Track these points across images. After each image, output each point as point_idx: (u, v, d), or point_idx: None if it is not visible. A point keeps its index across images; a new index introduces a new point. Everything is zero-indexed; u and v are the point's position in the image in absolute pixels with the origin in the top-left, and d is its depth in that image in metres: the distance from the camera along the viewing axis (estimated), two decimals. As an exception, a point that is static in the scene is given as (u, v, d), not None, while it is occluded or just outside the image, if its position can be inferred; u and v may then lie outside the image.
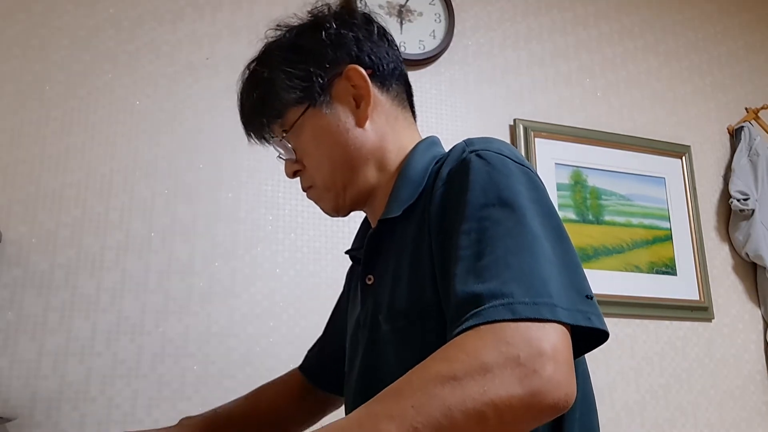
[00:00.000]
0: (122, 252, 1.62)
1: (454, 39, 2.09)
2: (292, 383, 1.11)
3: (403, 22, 2.06)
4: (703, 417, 2.05)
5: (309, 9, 0.89)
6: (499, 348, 0.54)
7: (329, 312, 1.74)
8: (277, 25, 0.90)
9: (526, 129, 2.09)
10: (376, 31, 0.88)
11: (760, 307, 2.24)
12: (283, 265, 1.74)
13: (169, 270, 1.64)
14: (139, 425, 1.52)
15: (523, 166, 0.71)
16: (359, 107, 0.84)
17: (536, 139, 2.09)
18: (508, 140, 2.09)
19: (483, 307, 0.57)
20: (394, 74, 0.88)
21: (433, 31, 2.07)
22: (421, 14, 2.08)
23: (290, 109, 0.84)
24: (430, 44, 2.06)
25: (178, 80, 1.78)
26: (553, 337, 0.55)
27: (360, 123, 0.84)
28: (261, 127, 0.89)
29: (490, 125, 2.08)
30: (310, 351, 1.14)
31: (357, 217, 0.97)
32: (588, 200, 2.12)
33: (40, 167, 1.62)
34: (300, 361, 1.15)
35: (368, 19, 0.89)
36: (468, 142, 0.75)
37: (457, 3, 2.13)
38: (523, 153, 2.06)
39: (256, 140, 0.91)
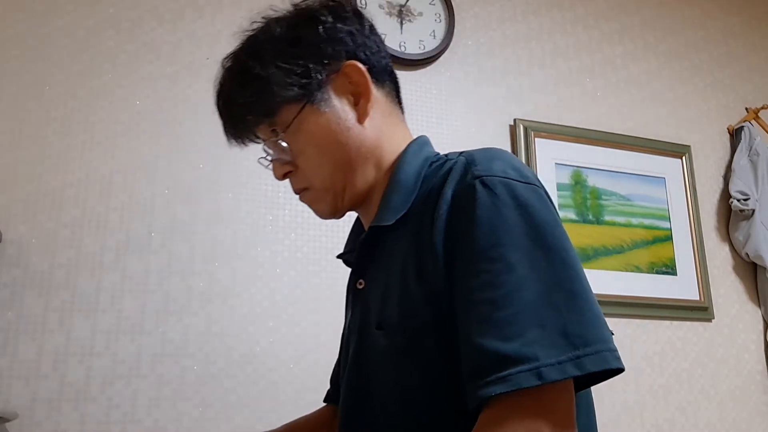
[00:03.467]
0: (122, 252, 1.62)
1: (454, 39, 2.09)
2: (325, 415, 1.05)
3: (403, 22, 2.06)
4: (703, 417, 2.05)
5: (294, 2, 0.85)
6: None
7: (329, 312, 1.74)
8: (262, 17, 0.85)
9: (526, 129, 2.08)
10: (367, 26, 0.85)
11: (760, 307, 2.24)
12: (283, 265, 1.74)
13: (169, 270, 1.64)
14: (139, 425, 1.53)
15: (528, 184, 0.69)
16: (358, 104, 0.82)
17: (536, 139, 2.09)
18: (508, 140, 2.09)
19: (510, 371, 0.59)
20: (386, 70, 0.86)
21: (433, 31, 2.07)
22: (421, 14, 2.08)
23: (285, 107, 0.80)
24: (430, 44, 2.06)
25: (178, 80, 1.78)
26: (564, 406, 0.61)
27: (360, 120, 0.81)
28: (249, 126, 0.84)
29: (490, 125, 2.08)
30: (332, 375, 1.07)
31: (354, 218, 0.96)
32: (588, 200, 2.12)
33: (40, 167, 1.62)
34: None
35: (359, 14, 0.86)
36: (470, 160, 0.72)
37: (457, 3, 2.13)
38: (523, 153, 2.06)
39: (238, 142, 0.86)
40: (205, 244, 1.68)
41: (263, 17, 0.85)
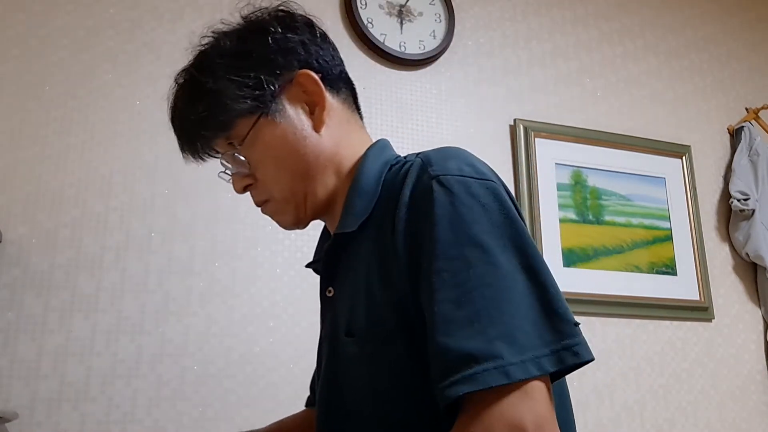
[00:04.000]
0: (122, 252, 1.62)
1: (454, 39, 2.09)
2: (306, 419, 1.06)
3: (403, 22, 2.06)
4: (703, 417, 2.05)
5: (242, 14, 0.85)
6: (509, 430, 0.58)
7: (329, 312, 1.74)
8: (211, 32, 0.84)
9: (526, 129, 2.08)
10: (318, 35, 0.85)
11: (760, 307, 2.24)
12: (283, 265, 1.74)
13: (169, 270, 1.64)
14: (139, 425, 1.53)
15: (484, 180, 0.69)
16: (313, 113, 0.81)
17: (536, 139, 2.09)
18: (508, 140, 2.09)
19: (475, 369, 0.59)
20: (341, 77, 0.86)
21: (433, 31, 2.07)
22: (421, 14, 2.08)
23: (240, 120, 0.80)
24: (430, 44, 2.06)
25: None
26: (544, 395, 0.60)
27: (317, 129, 0.81)
28: (205, 142, 0.84)
29: (490, 125, 2.08)
30: (311, 381, 1.08)
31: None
32: (588, 200, 2.12)
33: (40, 167, 1.62)
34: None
35: (309, 23, 0.85)
36: (426, 160, 0.72)
37: (457, 3, 2.13)
38: (523, 153, 2.06)
39: (195, 158, 0.86)
40: (205, 244, 1.68)
41: (213, 31, 0.85)
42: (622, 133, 2.22)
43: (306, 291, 1.74)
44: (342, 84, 0.86)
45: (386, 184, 0.77)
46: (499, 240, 0.65)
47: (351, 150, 0.84)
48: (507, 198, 0.69)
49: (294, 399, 1.64)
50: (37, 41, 1.69)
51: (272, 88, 0.79)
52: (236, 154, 0.82)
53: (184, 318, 1.62)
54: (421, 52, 2.04)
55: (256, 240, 1.73)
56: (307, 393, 1.08)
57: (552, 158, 2.10)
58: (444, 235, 0.65)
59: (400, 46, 2.01)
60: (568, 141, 2.13)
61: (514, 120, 2.10)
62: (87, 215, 1.62)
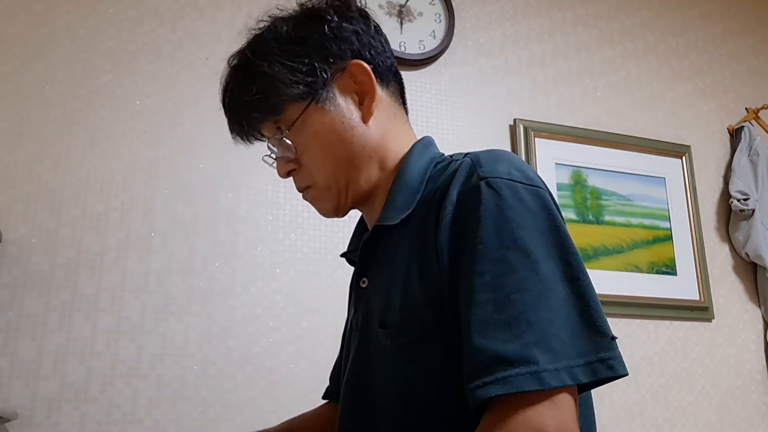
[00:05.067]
0: (122, 252, 1.62)
1: (454, 39, 2.09)
2: (325, 412, 1.06)
3: (403, 22, 2.06)
4: (703, 417, 2.05)
5: (298, 1, 0.86)
6: None
7: (329, 312, 1.74)
8: (268, 16, 0.86)
9: (526, 129, 2.09)
10: (372, 26, 0.86)
11: (760, 307, 2.24)
12: (283, 265, 1.74)
13: (170, 270, 1.64)
14: (140, 425, 1.53)
15: (533, 186, 0.69)
16: (363, 104, 0.82)
17: (536, 139, 2.09)
18: (508, 140, 2.09)
19: (510, 372, 0.59)
20: (391, 70, 0.87)
21: (433, 31, 2.08)
22: (421, 14, 2.08)
23: (290, 105, 0.80)
24: (430, 44, 2.06)
25: (178, 80, 1.78)
26: (567, 412, 0.60)
27: (365, 119, 0.82)
28: (254, 124, 0.84)
29: (490, 125, 2.08)
30: (331, 373, 1.08)
31: (358, 219, 0.96)
32: (588, 200, 2.12)
33: (40, 167, 1.62)
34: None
35: (364, 14, 0.86)
36: (476, 161, 0.72)
37: (457, 3, 2.13)
38: (523, 153, 2.06)
39: (244, 139, 0.87)
40: (205, 244, 1.68)
41: (269, 16, 0.86)
42: (622, 133, 2.23)
43: (306, 291, 1.74)
44: (391, 77, 0.87)
45: (431, 181, 0.78)
46: (543, 247, 0.65)
47: (396, 143, 0.84)
48: (553, 205, 0.70)
49: (294, 399, 1.64)
50: (38, 41, 1.69)
51: (324, 76, 0.80)
52: (284, 138, 0.82)
53: (185, 318, 1.62)
54: (421, 52, 2.04)
55: (256, 240, 1.73)
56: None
57: (552, 158, 2.10)
58: (488, 237, 0.65)
59: (400, 46, 2.01)
60: (568, 141, 2.13)
61: (514, 120, 2.10)
62: (87, 215, 1.62)
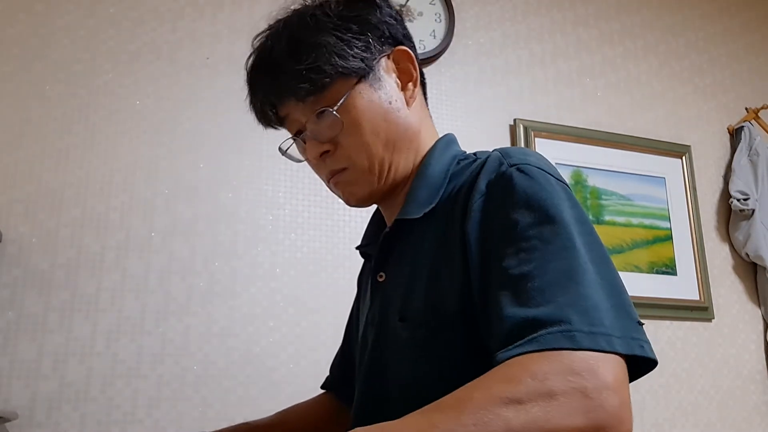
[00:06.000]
0: (122, 252, 1.62)
1: (454, 39, 2.09)
2: (323, 402, 1.06)
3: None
4: (703, 417, 2.05)
5: None
6: (567, 376, 0.53)
7: (329, 312, 1.74)
8: None
9: (526, 129, 2.09)
10: (404, 21, 0.89)
11: (760, 307, 2.24)
12: (283, 265, 1.74)
13: (170, 270, 1.64)
14: (140, 425, 1.53)
15: (561, 182, 0.70)
16: (405, 88, 0.83)
17: (536, 139, 2.09)
18: (508, 140, 2.09)
19: (540, 333, 0.56)
20: (420, 64, 0.88)
21: (433, 31, 2.07)
22: (421, 14, 2.08)
23: (340, 80, 0.78)
24: (430, 44, 2.06)
25: (178, 80, 1.78)
26: (615, 370, 0.55)
27: (408, 103, 0.83)
28: (298, 98, 0.79)
29: (491, 125, 2.08)
30: (332, 365, 1.08)
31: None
32: (588, 200, 2.12)
33: (40, 167, 1.62)
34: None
35: (400, 8, 0.90)
36: (504, 154, 0.73)
37: (457, 3, 2.13)
38: (523, 153, 2.06)
39: (266, 122, 0.83)
40: (205, 244, 1.68)
41: None
42: (622, 133, 2.23)
43: (306, 291, 1.74)
44: (421, 70, 0.88)
45: (453, 178, 0.79)
46: (575, 223, 0.65)
47: (427, 134, 0.86)
48: (578, 201, 0.70)
49: (294, 399, 1.63)
50: (38, 41, 1.69)
51: (377, 55, 0.81)
52: (333, 112, 0.77)
53: (185, 318, 1.62)
54: (421, 52, 2.04)
55: (256, 240, 1.73)
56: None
57: (552, 158, 2.09)
58: (522, 218, 0.65)
59: (400, 46, 2.01)
60: (568, 141, 2.13)
61: (514, 120, 2.10)
62: (87, 215, 1.62)
